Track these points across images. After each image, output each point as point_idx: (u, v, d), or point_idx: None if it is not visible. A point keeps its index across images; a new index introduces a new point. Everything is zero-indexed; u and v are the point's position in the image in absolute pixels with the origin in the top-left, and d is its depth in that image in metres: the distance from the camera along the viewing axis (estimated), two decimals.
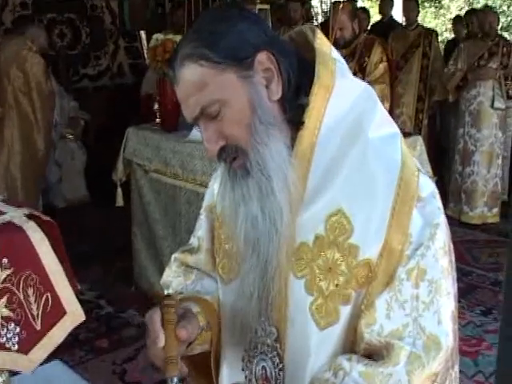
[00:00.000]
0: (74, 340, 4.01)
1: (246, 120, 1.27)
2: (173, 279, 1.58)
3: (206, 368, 1.52)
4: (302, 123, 1.31)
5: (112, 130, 4.94)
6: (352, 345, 1.30)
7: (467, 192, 6.36)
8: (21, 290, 1.15)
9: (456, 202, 6.44)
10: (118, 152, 4.53)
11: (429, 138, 6.71)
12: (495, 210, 6.34)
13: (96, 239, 5.62)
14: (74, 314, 1.21)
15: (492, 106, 6.22)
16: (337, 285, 1.27)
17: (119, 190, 4.42)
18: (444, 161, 7.15)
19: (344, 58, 1.39)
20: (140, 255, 4.53)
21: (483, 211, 6.29)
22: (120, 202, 4.42)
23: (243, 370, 1.43)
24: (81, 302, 4.02)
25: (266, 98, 1.29)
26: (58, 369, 2.06)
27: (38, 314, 1.17)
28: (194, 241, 1.60)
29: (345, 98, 1.32)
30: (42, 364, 1.93)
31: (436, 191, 1.31)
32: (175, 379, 1.24)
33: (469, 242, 5.75)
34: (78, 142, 6.52)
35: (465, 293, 4.61)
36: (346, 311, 1.28)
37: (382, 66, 4.87)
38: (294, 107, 1.31)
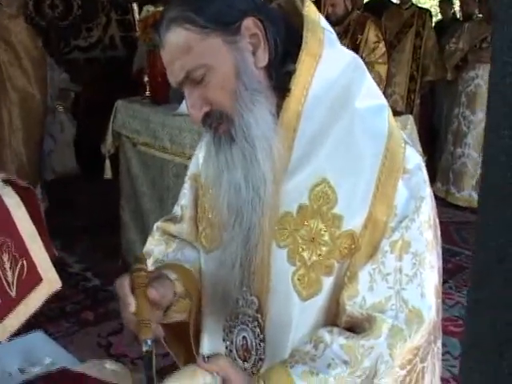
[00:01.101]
0: (59, 312, 3.99)
1: (230, 86, 1.25)
2: (155, 247, 1.56)
3: (184, 338, 1.51)
4: (288, 91, 1.29)
5: (102, 102, 4.87)
6: (334, 317, 1.29)
7: (455, 173, 6.33)
8: None
9: (444, 182, 6.42)
10: (108, 125, 4.48)
11: (420, 117, 6.70)
12: None
13: (84, 212, 5.59)
14: (51, 281, 1.19)
15: None
16: (319, 255, 1.26)
17: (107, 162, 4.38)
18: (435, 141, 7.13)
19: (337, 35, 1.37)
20: (127, 229, 4.50)
21: (470, 194, 6.26)
22: (108, 174, 4.38)
23: (224, 340, 1.42)
24: (68, 274, 4.00)
25: (251, 64, 1.27)
26: (39, 339, 2.03)
27: (13, 280, 1.14)
28: (177, 210, 1.58)
29: (333, 67, 1.31)
30: (23, 334, 1.92)
31: (422, 164, 1.29)
32: (149, 341, 1.23)
33: (458, 223, 5.75)
34: (68, 114, 6.45)
35: (453, 273, 4.60)
36: (328, 282, 1.27)
37: (382, 46, 4.85)
38: (281, 74, 1.30)
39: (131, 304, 1.25)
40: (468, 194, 6.28)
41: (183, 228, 1.55)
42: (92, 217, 5.44)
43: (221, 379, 1.11)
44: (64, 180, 5.92)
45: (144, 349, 1.23)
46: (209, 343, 1.47)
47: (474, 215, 5.99)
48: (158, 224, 1.61)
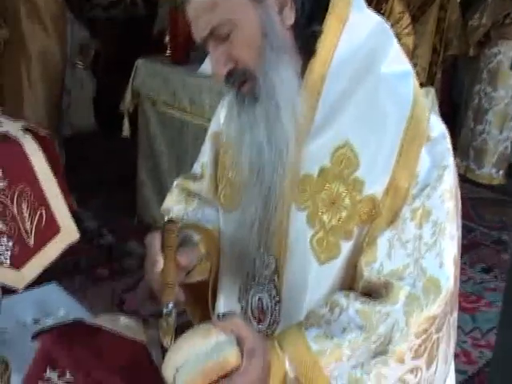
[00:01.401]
0: (74, 267, 4.02)
1: (256, 44, 1.23)
2: (174, 206, 1.55)
3: (201, 297, 1.50)
4: (314, 52, 1.26)
5: (122, 61, 4.85)
6: (351, 282, 1.27)
7: (476, 150, 6.26)
8: (15, 204, 1.12)
9: (463, 158, 6.36)
10: (127, 83, 4.45)
11: (441, 91, 6.61)
12: (502, 172, 6.25)
13: (101, 169, 5.59)
14: (68, 232, 1.18)
15: (511, 67, 6.07)
16: (339, 219, 1.24)
17: (126, 120, 4.36)
18: (455, 116, 7.05)
19: None
20: (144, 188, 4.50)
21: (490, 172, 6.20)
22: (126, 131, 4.37)
23: (239, 300, 1.41)
24: (83, 230, 4.02)
25: (278, 23, 1.24)
26: (54, 291, 2.04)
27: (31, 229, 1.14)
28: (197, 168, 1.57)
29: (359, 30, 1.28)
30: (38, 286, 1.93)
31: (446, 132, 1.27)
32: (170, 304, 1.22)
33: (474, 200, 5.70)
34: (88, 71, 6.42)
35: (467, 250, 4.58)
36: (347, 247, 1.25)
37: (407, 16, 4.80)
38: (307, 35, 1.27)
39: (159, 263, 1.24)
40: (488, 171, 6.21)
41: (203, 186, 1.53)
42: (108, 174, 5.44)
43: (235, 338, 1.10)
44: (81, 136, 5.91)
45: (164, 311, 1.22)
46: (224, 303, 1.46)
47: (491, 193, 5.96)
48: (178, 181, 1.59)
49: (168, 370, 1.07)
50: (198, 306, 1.56)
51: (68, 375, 1.04)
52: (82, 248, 4.05)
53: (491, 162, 6.20)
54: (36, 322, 1.85)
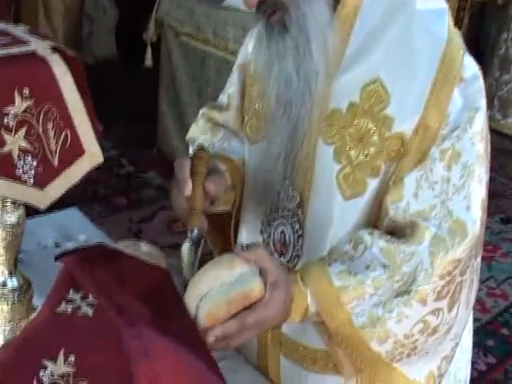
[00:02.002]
0: (92, 195, 4.03)
1: None
2: (199, 135, 1.52)
3: (223, 229, 1.50)
4: None
5: None
6: (375, 220, 1.26)
7: (501, 99, 6.14)
8: (40, 123, 1.10)
9: (488, 106, 6.23)
10: (150, 13, 4.38)
11: (468, 37, 6.47)
12: None
13: (122, 99, 5.53)
14: (93, 155, 1.16)
15: None
16: (367, 155, 1.23)
17: (149, 50, 4.30)
18: (481, 64, 6.90)
19: None
20: (164, 119, 4.46)
21: None
22: (149, 61, 4.31)
23: (261, 233, 1.40)
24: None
25: None
26: (74, 216, 2.04)
27: (56, 149, 1.11)
28: (223, 98, 1.54)
29: None
30: (58, 210, 1.92)
31: (480, 74, 1.25)
32: (195, 230, 1.21)
33: (497, 150, 5.61)
34: None
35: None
36: (373, 184, 1.24)
37: None
38: None
39: (188, 188, 1.22)
40: None
41: (229, 117, 1.51)
42: (129, 104, 5.39)
43: (258, 269, 1.08)
44: (102, 65, 5.84)
45: (189, 235, 1.21)
46: (247, 235, 1.45)
47: None
48: (203, 110, 1.56)
49: (191, 298, 1.06)
50: (219, 237, 1.56)
51: (91, 297, 1.01)
52: (100, 177, 4.07)
53: None
54: (57, 245, 1.86)
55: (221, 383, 0.94)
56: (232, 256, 1.09)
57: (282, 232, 1.36)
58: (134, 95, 5.49)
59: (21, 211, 1.28)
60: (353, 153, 1.23)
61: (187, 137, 1.56)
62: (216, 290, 1.04)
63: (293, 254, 1.34)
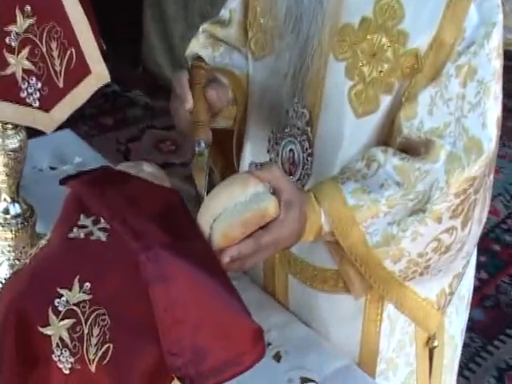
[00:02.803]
0: (78, 115, 3.94)
1: None
2: (200, 50, 1.47)
3: (224, 146, 1.47)
4: None
5: None
6: (387, 139, 1.24)
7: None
8: (44, 43, 1.05)
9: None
10: None
11: None
12: None
13: (105, 17, 5.38)
14: (99, 75, 1.12)
15: None
16: (380, 72, 1.19)
17: None
18: None
19: None
20: (150, 36, 4.34)
21: None
22: None
23: (268, 151, 1.38)
24: None
25: None
26: (68, 138, 2.01)
27: (60, 70, 1.07)
28: (224, 13, 1.48)
29: None
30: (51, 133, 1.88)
31: None
32: (202, 143, 1.18)
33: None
34: None
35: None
36: (386, 101, 1.21)
37: None
38: None
39: (189, 101, 1.19)
40: None
41: (231, 33, 1.45)
42: (113, 22, 5.24)
43: (271, 189, 1.06)
44: None
45: (197, 150, 1.18)
46: (251, 154, 1.42)
47: None
48: (204, 26, 1.50)
49: (205, 219, 1.03)
50: (220, 155, 1.53)
51: (103, 222, 0.99)
52: None
53: None
54: (52, 168, 1.83)
55: (238, 303, 0.94)
56: (245, 175, 1.06)
57: (291, 150, 1.33)
58: (118, 13, 5.33)
59: (22, 136, 1.24)
60: (366, 69, 1.19)
61: (186, 53, 1.50)
62: (230, 210, 1.01)
63: (302, 173, 1.32)
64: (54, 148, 1.90)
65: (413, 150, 1.20)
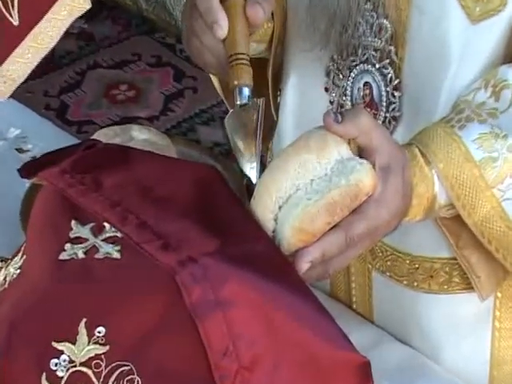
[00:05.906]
0: None
1: None
2: None
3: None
4: None
5: None
6: None
7: None
8: None
9: None
10: None
11: None
12: None
13: None
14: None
15: None
16: None
17: None
18: None
19: None
20: None
21: None
22: None
23: (327, 90, 1.34)
24: None
25: None
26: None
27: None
28: None
29: None
30: None
31: None
32: (246, 91, 1.12)
33: None
34: None
35: None
36: None
37: None
38: None
39: (222, 24, 1.14)
40: None
41: None
42: None
43: (357, 149, 1.01)
44: None
45: (238, 102, 1.12)
46: (299, 97, 1.39)
47: None
48: None
49: (264, 207, 0.99)
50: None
51: (108, 229, 0.96)
52: None
53: None
54: None
55: (331, 326, 0.93)
56: (321, 132, 1.00)
57: (367, 84, 1.31)
58: None
59: None
60: None
61: None
62: (304, 189, 0.97)
63: (386, 117, 1.29)
64: None
65: None
